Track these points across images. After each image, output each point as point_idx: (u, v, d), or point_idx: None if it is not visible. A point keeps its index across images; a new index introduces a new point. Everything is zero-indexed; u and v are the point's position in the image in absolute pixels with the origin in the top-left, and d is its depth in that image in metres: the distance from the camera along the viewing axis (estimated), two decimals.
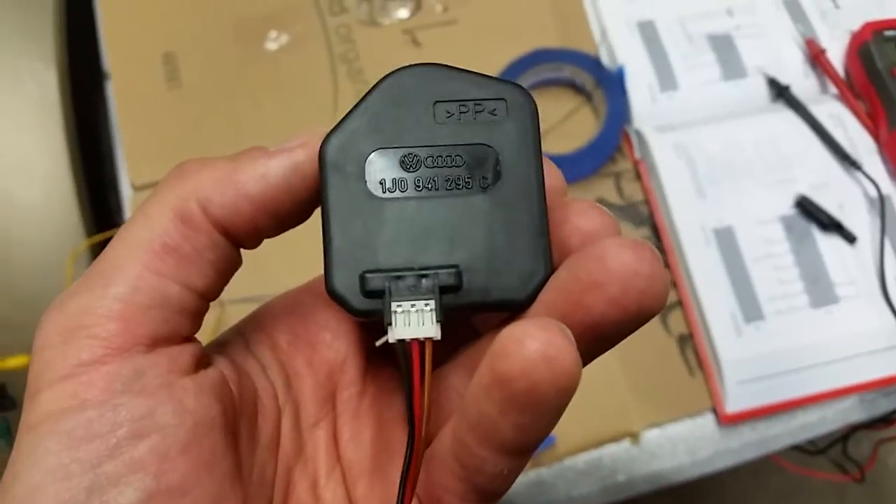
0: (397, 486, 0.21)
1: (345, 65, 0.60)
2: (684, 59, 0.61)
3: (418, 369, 0.19)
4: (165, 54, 0.60)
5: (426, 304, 0.19)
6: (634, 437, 0.51)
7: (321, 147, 0.21)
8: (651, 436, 0.52)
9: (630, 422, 0.51)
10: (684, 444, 0.52)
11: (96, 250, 0.56)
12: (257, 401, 0.23)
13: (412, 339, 0.19)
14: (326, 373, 0.25)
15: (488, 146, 0.21)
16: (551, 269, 0.20)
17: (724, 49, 0.62)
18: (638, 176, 0.58)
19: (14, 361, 0.48)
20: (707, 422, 0.52)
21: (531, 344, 0.17)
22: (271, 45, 0.61)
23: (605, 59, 0.61)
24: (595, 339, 0.19)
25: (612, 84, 0.59)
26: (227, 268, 0.22)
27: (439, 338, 0.19)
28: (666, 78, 0.60)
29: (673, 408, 0.52)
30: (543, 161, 0.21)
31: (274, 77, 0.60)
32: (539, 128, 0.21)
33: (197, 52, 0.60)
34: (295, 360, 0.25)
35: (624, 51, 0.61)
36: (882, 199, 0.56)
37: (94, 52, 0.61)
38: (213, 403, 0.20)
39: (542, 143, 0.21)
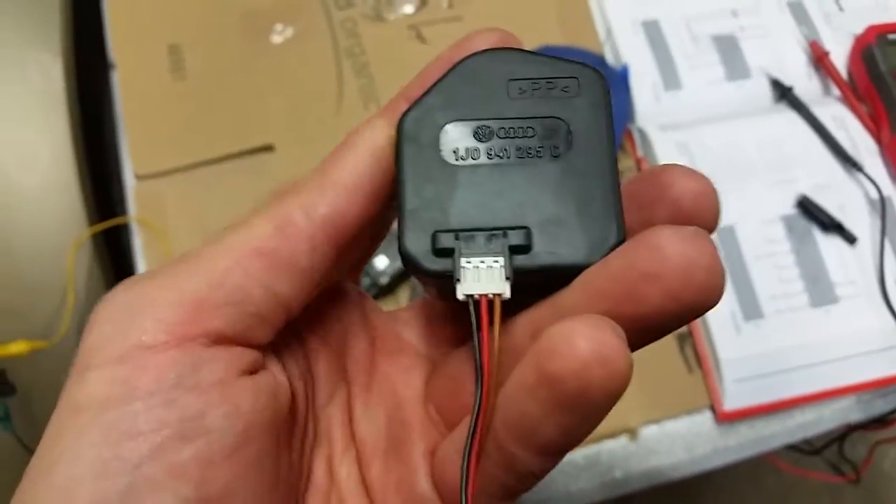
0: (414, 467, 0.21)
1: (350, 59, 0.60)
2: (688, 59, 0.61)
3: (487, 326, 0.19)
4: (171, 46, 0.60)
5: (495, 261, 0.19)
6: (632, 433, 0.52)
7: (399, 121, 0.21)
8: (649, 432, 0.52)
9: (628, 418, 0.52)
10: (682, 442, 0.52)
11: (99, 239, 0.56)
12: (293, 392, 0.22)
13: (481, 295, 0.19)
14: (337, 344, 0.25)
15: (560, 119, 0.21)
16: (623, 236, 0.20)
17: (728, 50, 0.62)
18: None
19: (15, 347, 0.49)
20: (705, 419, 0.52)
21: (585, 343, 0.16)
22: (276, 39, 0.61)
23: (610, 58, 0.61)
24: (644, 332, 0.18)
25: (616, 83, 0.59)
26: (318, 280, 0.21)
27: (508, 295, 0.19)
28: (670, 77, 0.60)
29: (671, 405, 0.52)
30: None
31: (279, 70, 0.60)
32: (611, 103, 0.21)
33: (202, 45, 0.61)
34: (310, 337, 0.24)
35: (628, 50, 0.61)
36: (883, 201, 0.56)
37: (99, 43, 0.61)
38: (268, 406, 0.20)
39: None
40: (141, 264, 0.54)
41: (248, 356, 0.20)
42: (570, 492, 0.50)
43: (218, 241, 0.20)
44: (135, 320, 0.18)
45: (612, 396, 0.17)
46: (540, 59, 0.21)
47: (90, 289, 0.54)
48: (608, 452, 0.51)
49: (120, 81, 0.59)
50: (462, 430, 0.20)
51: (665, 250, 0.17)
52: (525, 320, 0.20)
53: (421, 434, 0.23)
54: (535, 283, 0.20)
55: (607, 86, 0.21)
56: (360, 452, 0.24)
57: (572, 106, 0.21)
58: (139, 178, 0.57)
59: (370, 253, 0.26)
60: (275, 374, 0.21)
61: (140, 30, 0.61)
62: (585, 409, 0.17)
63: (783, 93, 0.60)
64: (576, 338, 0.16)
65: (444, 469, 0.21)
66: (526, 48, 0.22)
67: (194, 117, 0.59)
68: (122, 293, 0.19)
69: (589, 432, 0.18)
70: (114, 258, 0.58)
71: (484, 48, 0.22)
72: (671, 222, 0.19)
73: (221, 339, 0.19)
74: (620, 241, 0.20)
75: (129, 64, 0.60)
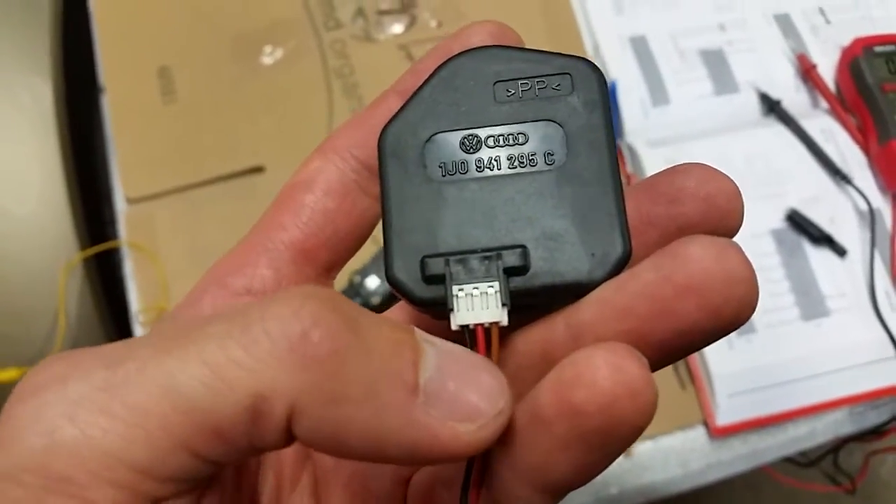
0: (382, 498, 0.20)
1: (339, 80, 0.61)
2: (676, 75, 0.61)
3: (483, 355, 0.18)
4: (161, 68, 0.60)
5: (490, 287, 0.18)
6: (627, 449, 0.51)
7: (379, 137, 0.20)
8: (643, 448, 0.52)
9: None
10: (676, 457, 0.52)
11: (90, 263, 0.56)
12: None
13: (476, 325, 0.18)
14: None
15: (553, 122, 0.19)
16: (629, 249, 0.18)
17: (716, 64, 0.62)
18: None
19: (6, 375, 0.48)
20: (698, 434, 0.52)
21: (614, 374, 0.15)
22: (266, 60, 0.61)
23: None
24: (667, 353, 0.17)
25: None
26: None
27: (506, 323, 0.18)
28: (658, 93, 0.61)
29: (665, 421, 0.52)
30: None
31: (269, 92, 0.60)
32: (608, 100, 0.20)
33: (192, 67, 0.61)
34: None
35: (616, 66, 0.61)
36: (872, 213, 0.56)
37: (89, 66, 0.61)
38: None
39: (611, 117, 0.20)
40: (132, 288, 0.54)
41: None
42: None
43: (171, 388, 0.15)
44: (51, 495, 0.15)
45: (637, 431, 0.15)
46: (527, 55, 0.20)
47: (81, 313, 0.54)
48: None
49: (110, 105, 0.60)
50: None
51: (704, 261, 0.16)
52: (533, 336, 0.19)
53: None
54: (536, 304, 0.19)
55: (604, 80, 0.20)
56: (319, 480, 0.22)
57: (566, 106, 0.19)
58: (130, 201, 0.57)
59: (348, 258, 0.23)
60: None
61: (130, 53, 0.61)
62: (608, 445, 0.15)
63: (771, 106, 0.60)
64: (603, 366, 0.15)
65: (422, 502, 0.20)
66: (523, 43, 0.21)
67: (184, 140, 0.59)
68: (32, 431, 0.15)
69: (602, 470, 0.17)
70: (105, 282, 0.58)
71: (480, 41, 0.20)
72: (702, 219, 0.18)
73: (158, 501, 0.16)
74: (626, 255, 0.18)
75: (119, 87, 0.60)
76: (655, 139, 0.58)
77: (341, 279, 0.53)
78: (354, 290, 0.53)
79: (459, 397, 0.16)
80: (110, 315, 0.57)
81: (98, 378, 0.15)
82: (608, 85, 0.18)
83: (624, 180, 0.58)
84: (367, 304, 0.53)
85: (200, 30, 0.62)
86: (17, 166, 0.58)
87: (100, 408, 0.15)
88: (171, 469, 0.15)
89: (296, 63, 0.61)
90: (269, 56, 0.61)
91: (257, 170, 0.58)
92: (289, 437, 0.16)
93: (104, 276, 0.58)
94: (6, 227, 0.56)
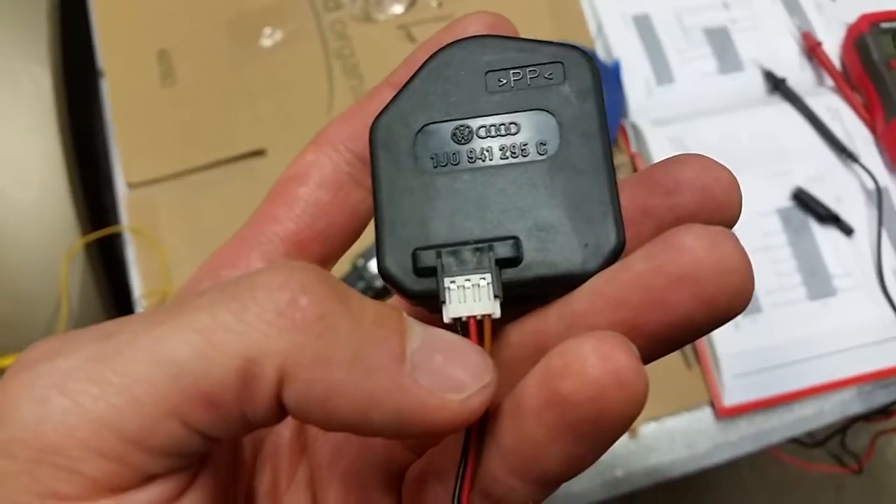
0: (377, 492, 0.20)
1: (339, 61, 0.60)
2: (680, 53, 0.61)
3: None
4: (160, 52, 0.60)
5: (482, 278, 0.18)
6: (632, 431, 0.51)
7: (371, 127, 0.20)
8: (649, 430, 0.52)
9: None
10: (682, 438, 0.52)
11: (91, 248, 0.56)
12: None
13: (469, 317, 0.18)
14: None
15: (545, 111, 0.19)
16: (623, 240, 0.18)
17: (720, 42, 0.61)
18: (635, 170, 0.58)
19: (9, 361, 0.48)
20: (705, 415, 0.52)
21: (602, 364, 0.15)
22: (266, 42, 0.61)
23: (601, 53, 0.61)
24: (662, 343, 0.16)
25: (608, 78, 0.59)
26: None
27: (498, 315, 0.18)
28: (662, 71, 0.60)
29: (671, 402, 0.52)
30: None
31: (269, 74, 0.60)
32: (601, 89, 0.19)
33: (191, 50, 0.60)
34: None
35: (620, 45, 0.61)
36: (879, 191, 0.55)
37: (88, 51, 0.61)
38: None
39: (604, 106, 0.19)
40: (134, 273, 0.54)
41: (182, 478, 0.17)
42: (570, 492, 0.50)
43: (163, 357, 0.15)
44: (42, 466, 0.15)
45: (627, 421, 0.15)
46: (519, 45, 0.20)
47: (84, 299, 0.54)
48: (608, 451, 0.51)
49: (109, 89, 0.59)
50: (440, 452, 0.19)
51: (697, 251, 0.15)
52: (527, 327, 0.18)
53: (385, 452, 0.21)
54: (529, 295, 0.18)
55: (596, 68, 0.19)
56: (315, 475, 0.22)
57: (559, 95, 0.19)
58: (131, 186, 0.56)
59: (343, 252, 0.23)
60: (214, 476, 0.18)
61: (128, 37, 0.61)
62: (597, 436, 0.15)
63: (776, 84, 0.59)
64: (592, 356, 0.15)
65: (415, 496, 0.20)
66: (519, 34, 0.20)
67: (185, 124, 0.58)
68: (26, 407, 0.15)
69: (593, 461, 0.16)
70: (107, 267, 0.58)
71: (475, 32, 0.20)
72: (699, 209, 0.18)
73: (150, 479, 0.16)
74: (619, 246, 0.18)
75: (118, 71, 0.60)
76: (660, 118, 0.58)
77: (344, 264, 0.53)
78: (358, 274, 0.53)
79: (446, 370, 0.16)
80: (113, 300, 0.57)
81: (89, 350, 0.16)
82: (606, 70, 0.18)
83: (631, 165, 0.58)
84: (370, 288, 0.52)
85: (199, 13, 0.61)
86: (18, 153, 0.58)
87: (90, 377, 0.15)
88: (162, 439, 0.15)
89: (295, 45, 0.61)
90: (269, 38, 0.61)
91: (258, 153, 0.57)
92: (279, 409, 0.16)
93: (106, 262, 0.58)
94: (7, 214, 0.56)
